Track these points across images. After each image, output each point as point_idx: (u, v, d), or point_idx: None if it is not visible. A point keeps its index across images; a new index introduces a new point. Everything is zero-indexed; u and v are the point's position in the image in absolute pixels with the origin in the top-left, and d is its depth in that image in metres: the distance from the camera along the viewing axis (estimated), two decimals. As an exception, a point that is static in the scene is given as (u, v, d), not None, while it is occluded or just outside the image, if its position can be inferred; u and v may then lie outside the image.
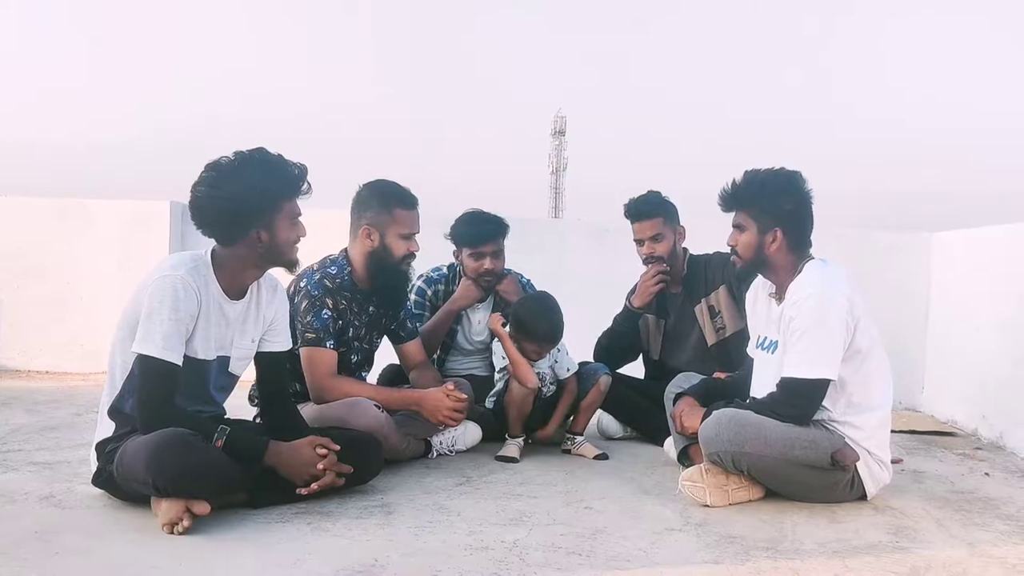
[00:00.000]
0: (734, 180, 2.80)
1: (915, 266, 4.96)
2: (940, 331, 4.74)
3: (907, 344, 4.78)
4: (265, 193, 2.43)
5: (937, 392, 4.69)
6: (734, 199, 2.81)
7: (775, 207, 2.75)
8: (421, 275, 3.70)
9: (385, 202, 3.08)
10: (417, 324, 3.51)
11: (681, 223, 3.68)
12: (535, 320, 3.29)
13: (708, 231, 3.82)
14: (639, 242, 3.64)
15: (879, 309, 2.74)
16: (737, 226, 2.82)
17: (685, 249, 3.71)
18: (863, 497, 2.71)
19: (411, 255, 3.11)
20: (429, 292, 3.69)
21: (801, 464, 2.60)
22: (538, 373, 3.36)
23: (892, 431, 2.85)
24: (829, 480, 2.65)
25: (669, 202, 3.66)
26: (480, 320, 3.72)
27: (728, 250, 3.82)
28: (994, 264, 4.09)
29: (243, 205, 2.41)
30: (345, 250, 3.16)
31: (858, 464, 2.66)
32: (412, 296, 3.62)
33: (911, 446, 3.74)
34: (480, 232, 3.57)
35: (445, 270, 3.75)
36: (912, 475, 3.16)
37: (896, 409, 2.87)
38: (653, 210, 3.62)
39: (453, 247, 3.66)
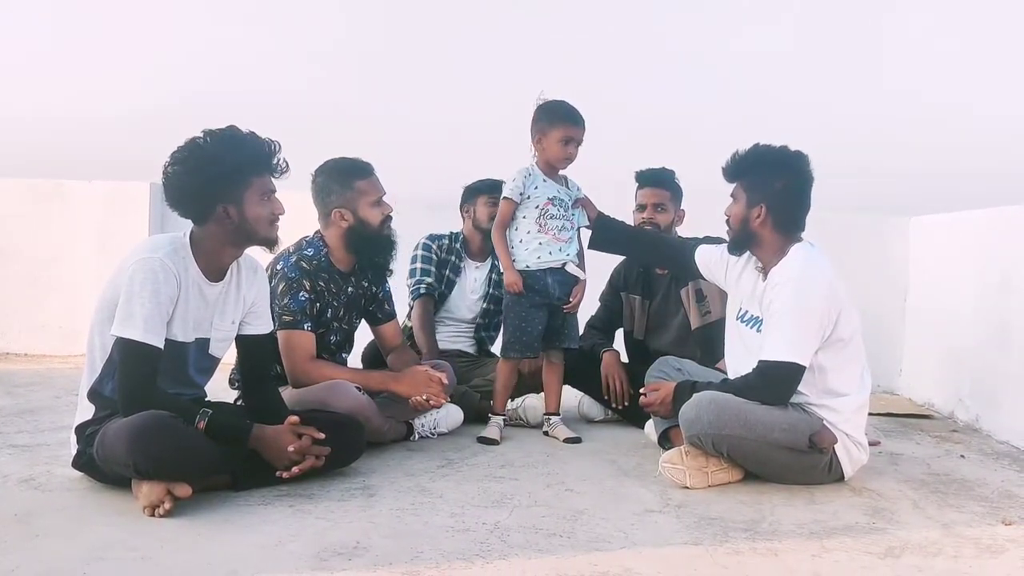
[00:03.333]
0: (738, 150, 2.82)
1: (894, 249, 5.00)
2: (918, 314, 4.79)
3: (885, 327, 4.84)
4: (230, 168, 2.41)
5: (915, 375, 4.75)
6: (732, 169, 2.83)
7: (765, 183, 2.76)
8: (425, 235, 3.91)
9: (344, 180, 3.09)
10: (423, 278, 3.76)
11: (682, 207, 3.72)
12: (557, 104, 3.26)
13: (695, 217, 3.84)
14: (640, 207, 3.66)
15: (858, 292, 2.77)
16: (732, 196, 2.85)
17: (677, 233, 3.73)
18: (841, 478, 2.75)
19: (388, 218, 3.14)
20: (434, 246, 3.87)
21: (780, 446, 2.63)
22: (561, 268, 3.32)
23: (870, 414, 2.89)
24: (807, 462, 2.68)
25: (680, 185, 3.72)
26: (477, 278, 3.89)
27: (718, 233, 3.82)
28: (972, 248, 4.14)
29: (208, 181, 2.40)
30: (319, 232, 3.16)
31: (836, 446, 2.69)
32: (419, 251, 3.83)
33: (888, 429, 3.79)
34: (492, 184, 3.79)
35: (447, 232, 3.96)
36: (889, 457, 3.21)
37: (874, 392, 2.90)
38: (665, 182, 3.67)
39: (463, 205, 3.94)
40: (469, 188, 3.94)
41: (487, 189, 3.84)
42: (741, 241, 2.85)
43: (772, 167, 2.77)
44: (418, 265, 3.80)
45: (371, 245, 3.12)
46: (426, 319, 3.74)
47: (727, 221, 2.88)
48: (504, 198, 3.28)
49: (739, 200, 2.81)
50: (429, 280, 3.79)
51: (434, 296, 3.81)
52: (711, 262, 3.07)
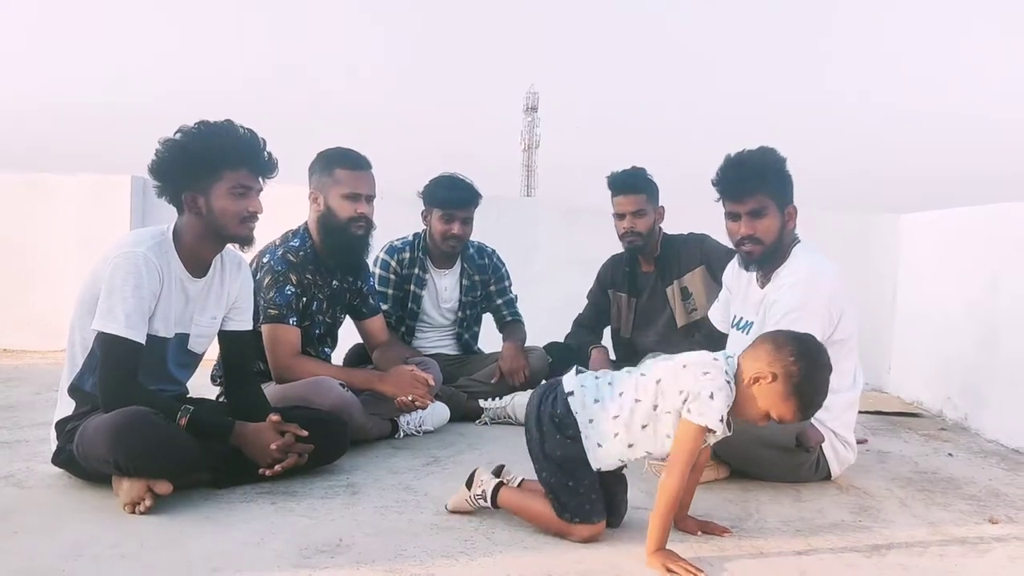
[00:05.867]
0: (736, 166, 2.70)
1: (883, 248, 5.04)
2: (907, 312, 4.82)
3: (875, 325, 4.85)
4: (200, 156, 2.40)
5: (904, 373, 4.78)
6: (750, 184, 2.68)
7: (787, 183, 2.74)
8: (385, 245, 3.70)
9: (327, 164, 3.09)
10: (380, 301, 3.53)
11: (660, 205, 3.71)
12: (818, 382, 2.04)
13: (683, 213, 3.85)
14: (619, 216, 3.65)
15: (847, 290, 2.77)
16: (754, 212, 2.69)
17: (660, 228, 3.74)
18: (828, 477, 2.77)
19: (360, 217, 3.06)
20: (393, 263, 3.69)
21: (766, 444, 2.64)
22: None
23: (859, 412, 2.91)
24: (794, 460, 2.70)
25: (653, 181, 3.69)
26: (447, 287, 3.76)
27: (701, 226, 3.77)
28: (961, 246, 4.17)
29: (176, 165, 2.41)
30: (307, 222, 3.16)
31: (823, 445, 2.71)
32: (376, 269, 3.63)
33: (877, 427, 3.82)
34: (454, 197, 3.61)
35: (411, 237, 3.77)
36: (877, 455, 3.23)
37: (863, 390, 2.92)
38: (639, 185, 3.64)
39: (423, 207, 3.70)
40: (427, 192, 3.67)
41: (441, 202, 3.61)
42: (772, 253, 2.73)
43: (782, 166, 2.74)
44: (375, 286, 3.57)
45: (336, 239, 3.08)
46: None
47: (751, 238, 2.72)
48: (707, 429, 1.98)
49: (769, 210, 2.69)
50: (385, 306, 3.58)
51: (389, 319, 3.59)
52: (723, 310, 3.07)
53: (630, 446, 2.07)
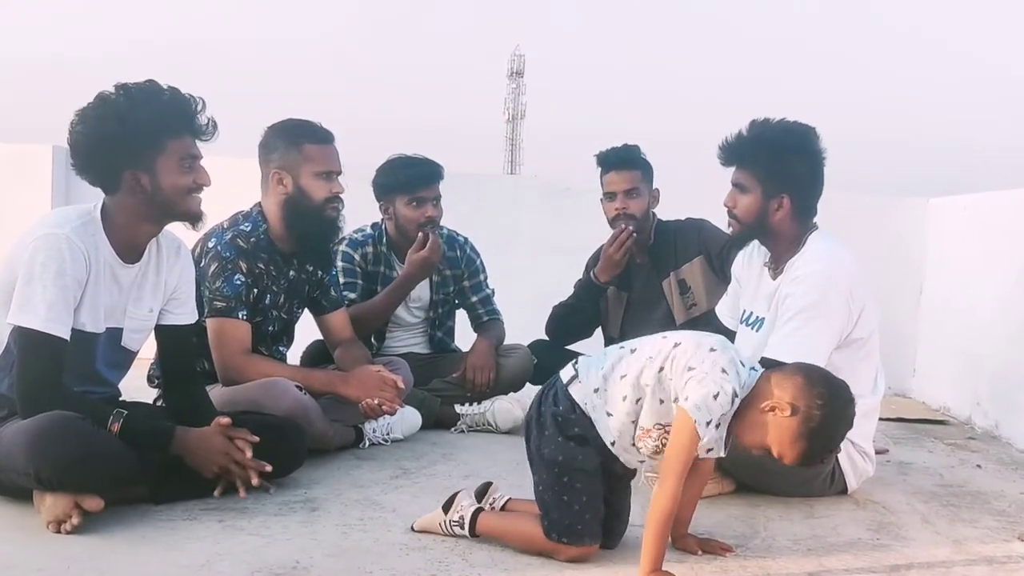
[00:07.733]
0: (740, 131, 2.77)
1: (909, 235, 5.09)
2: (935, 308, 4.89)
3: (899, 322, 4.91)
4: (140, 127, 2.37)
5: (929, 376, 4.86)
6: (739, 154, 2.77)
7: (786, 170, 2.76)
8: (343, 238, 3.70)
9: (292, 139, 3.07)
10: (346, 294, 3.55)
11: (655, 186, 3.73)
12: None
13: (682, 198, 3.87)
14: (610, 196, 3.65)
15: (868, 284, 2.82)
16: (738, 185, 2.79)
17: (654, 214, 3.76)
18: (843, 491, 2.83)
19: (334, 197, 3.07)
20: (357, 256, 3.70)
21: (776, 455, 2.68)
22: None
23: (879, 419, 2.97)
24: (806, 473, 2.74)
25: (647, 159, 3.71)
26: (417, 284, 3.76)
27: (696, 213, 3.79)
28: (995, 235, 4.22)
29: (114, 142, 2.38)
30: (259, 204, 3.15)
31: (839, 456, 2.76)
32: (338, 262, 3.63)
33: (899, 435, 3.89)
34: (418, 174, 3.61)
35: (370, 230, 3.77)
36: (898, 467, 3.29)
37: (885, 395, 2.97)
38: (632, 161, 3.65)
39: (380, 202, 3.69)
40: (380, 183, 3.66)
41: (405, 185, 3.59)
42: (751, 235, 2.84)
43: (790, 151, 2.76)
44: (341, 281, 3.57)
45: (307, 223, 3.08)
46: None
47: (730, 212, 2.83)
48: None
49: (751, 190, 2.76)
50: (353, 296, 3.62)
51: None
52: (732, 305, 3.11)
53: (637, 401, 2.11)
